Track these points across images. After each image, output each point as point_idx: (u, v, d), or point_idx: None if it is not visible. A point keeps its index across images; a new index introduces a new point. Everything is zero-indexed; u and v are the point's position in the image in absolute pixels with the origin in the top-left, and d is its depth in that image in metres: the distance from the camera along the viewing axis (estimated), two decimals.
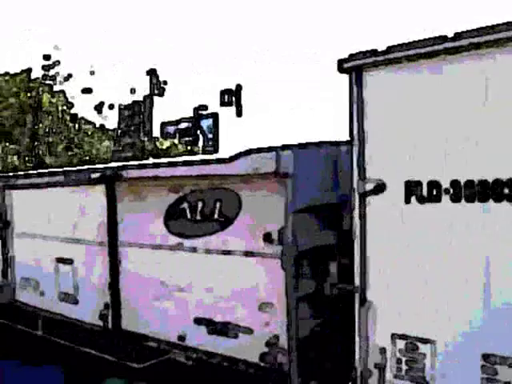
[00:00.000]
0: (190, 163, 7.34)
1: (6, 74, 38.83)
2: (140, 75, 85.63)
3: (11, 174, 11.90)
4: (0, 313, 11.32)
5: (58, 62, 52.62)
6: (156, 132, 74.02)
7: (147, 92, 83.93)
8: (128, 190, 8.32)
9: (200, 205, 7.30)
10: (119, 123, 62.60)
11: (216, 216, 7.11)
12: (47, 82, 47.67)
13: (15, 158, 34.77)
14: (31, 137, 35.74)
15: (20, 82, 38.65)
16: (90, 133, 40.05)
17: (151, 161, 10.30)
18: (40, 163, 33.40)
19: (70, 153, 37.04)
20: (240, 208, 6.87)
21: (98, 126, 43.51)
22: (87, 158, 36.49)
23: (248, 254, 6.82)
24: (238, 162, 6.64)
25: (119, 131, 53.03)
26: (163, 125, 78.21)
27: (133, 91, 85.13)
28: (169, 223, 7.73)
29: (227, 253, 7.02)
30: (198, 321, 7.38)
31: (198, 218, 7.33)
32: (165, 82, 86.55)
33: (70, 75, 50.00)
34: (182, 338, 7.56)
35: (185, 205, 7.48)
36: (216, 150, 67.38)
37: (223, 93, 79.76)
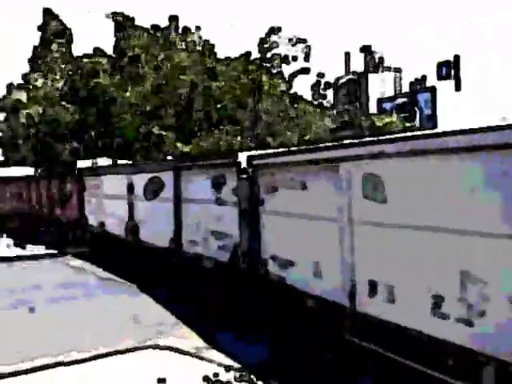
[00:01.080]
0: None
1: (227, 58, 40.15)
2: (354, 52, 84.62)
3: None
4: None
5: (275, 44, 53.54)
6: (372, 109, 72.89)
7: (362, 69, 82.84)
8: None
9: None
10: (335, 101, 62.44)
11: None
12: (265, 64, 48.70)
13: (238, 138, 35.87)
14: (252, 118, 36.59)
15: (240, 65, 39.77)
16: (308, 112, 40.14)
17: None
18: (262, 143, 34.08)
19: (289, 133, 37.40)
20: None
21: (315, 104, 43.50)
22: (307, 137, 36.62)
23: None
24: None
25: (335, 110, 52.71)
26: (380, 101, 76.84)
27: (347, 69, 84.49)
28: None
29: None
30: None
31: None
32: (381, 59, 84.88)
33: (286, 56, 50.58)
34: None
35: None
36: (435, 126, 64.61)
37: (440, 65, 76.34)
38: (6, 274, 21.33)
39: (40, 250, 25.94)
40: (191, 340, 11.66)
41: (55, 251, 24.85)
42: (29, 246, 26.98)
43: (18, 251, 26.16)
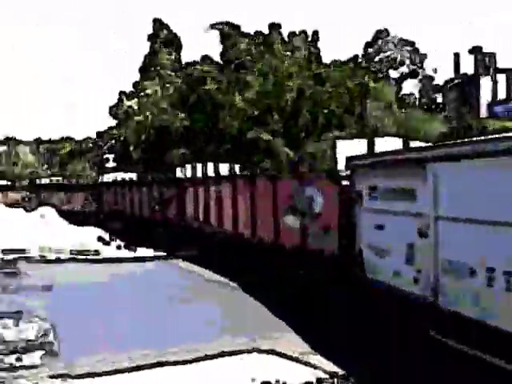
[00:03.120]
0: None
1: (334, 62, 39.81)
2: (463, 54, 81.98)
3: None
4: None
5: (380, 49, 52.64)
6: (483, 112, 70.19)
7: (472, 71, 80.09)
8: None
9: None
10: (445, 105, 60.70)
11: None
12: (372, 68, 47.97)
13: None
14: (360, 123, 36.04)
15: (348, 70, 39.32)
16: (417, 116, 39.14)
17: None
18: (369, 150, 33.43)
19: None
20: None
21: (424, 108, 42.36)
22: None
23: None
24: None
25: (444, 113, 51.19)
26: (490, 105, 73.91)
27: (457, 71, 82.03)
28: None
29: None
30: None
31: None
32: (492, 60, 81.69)
33: (394, 59, 49.66)
34: None
35: None
36: None
37: None
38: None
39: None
40: None
41: None
42: None
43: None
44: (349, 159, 12.69)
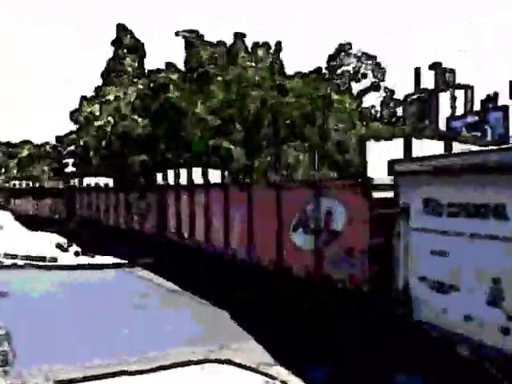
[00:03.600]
0: None
1: (298, 73, 40.11)
2: (424, 68, 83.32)
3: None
4: None
5: (342, 62, 53.23)
6: (442, 127, 71.38)
7: (431, 86, 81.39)
8: None
9: None
10: (405, 119, 61.59)
11: None
12: (334, 81, 48.45)
13: (305, 155, 35.65)
14: (321, 135, 36.34)
15: (310, 82, 39.64)
16: (377, 129, 39.60)
17: None
18: (331, 161, 33.82)
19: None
20: None
21: (385, 122, 42.90)
22: None
23: None
24: None
25: (404, 127, 51.89)
26: (449, 119, 75.22)
27: (417, 86, 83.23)
28: None
29: None
30: None
31: None
32: (450, 76, 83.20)
33: (356, 72, 50.26)
34: None
35: None
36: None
37: None
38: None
39: None
40: None
41: None
42: None
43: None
44: (393, 163, 10.00)
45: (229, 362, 11.06)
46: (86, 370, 10.39)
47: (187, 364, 11.12)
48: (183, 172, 25.35)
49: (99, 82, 57.04)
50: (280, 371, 10.71)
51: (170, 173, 26.77)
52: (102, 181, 36.23)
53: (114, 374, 10.19)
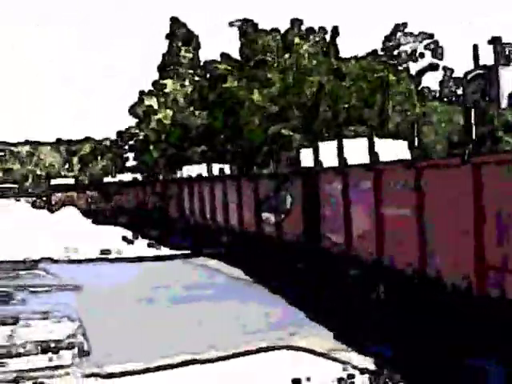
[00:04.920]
0: None
1: (354, 57, 39.67)
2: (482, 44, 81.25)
3: None
4: None
5: (399, 42, 52.40)
6: (504, 104, 69.52)
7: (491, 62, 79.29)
8: None
9: None
10: (464, 97, 60.21)
11: None
12: (391, 61, 47.70)
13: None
14: (380, 117, 35.89)
15: (367, 64, 39.15)
16: (436, 109, 38.89)
17: None
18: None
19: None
20: None
21: (445, 101, 42.06)
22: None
23: None
24: None
25: (467, 105, 50.75)
26: (511, 95, 73.21)
27: (476, 63, 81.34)
28: None
29: None
30: None
31: None
32: (510, 51, 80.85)
33: (413, 52, 49.35)
34: None
35: None
36: None
37: None
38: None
39: None
40: None
41: None
42: None
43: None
44: None
45: (301, 348, 11.07)
46: (160, 360, 10.56)
47: (258, 352, 11.16)
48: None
49: (156, 75, 57.77)
50: (353, 357, 10.64)
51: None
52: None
53: (188, 362, 10.34)
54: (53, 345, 12.20)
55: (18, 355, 11.70)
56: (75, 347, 12.03)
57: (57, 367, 10.83)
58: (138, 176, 52.37)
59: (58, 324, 13.99)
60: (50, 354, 11.62)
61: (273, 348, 11.17)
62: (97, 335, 12.70)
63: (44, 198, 65.64)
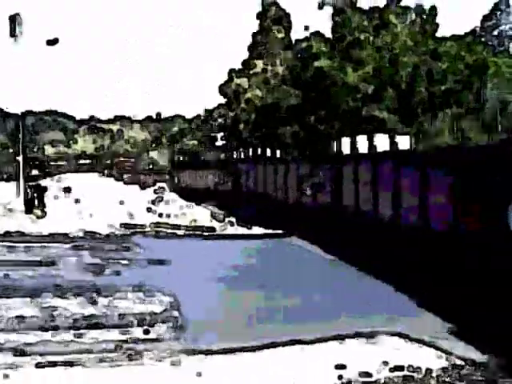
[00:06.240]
0: None
1: (452, 36, 38.24)
2: None
3: None
4: None
5: (499, 21, 50.22)
6: None
7: None
8: None
9: None
10: None
11: None
12: (490, 42, 45.79)
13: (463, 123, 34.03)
14: (478, 100, 34.48)
15: (464, 45, 37.65)
16: None
17: None
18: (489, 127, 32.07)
19: None
20: None
21: None
22: None
23: None
24: None
25: None
26: None
27: None
28: None
29: None
30: None
31: None
32: None
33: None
34: None
35: None
36: None
37: None
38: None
39: None
40: None
41: None
42: None
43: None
44: None
45: (399, 334, 10.69)
46: (258, 340, 10.43)
47: (354, 336, 10.86)
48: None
49: (246, 55, 57.69)
50: (454, 345, 10.19)
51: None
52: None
53: (292, 342, 10.17)
54: (148, 318, 12.32)
55: (116, 326, 11.87)
56: (171, 321, 12.10)
57: (154, 340, 10.88)
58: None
59: (152, 297, 14.13)
60: (145, 327, 11.72)
61: (374, 333, 10.82)
62: (191, 311, 12.71)
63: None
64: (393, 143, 19.17)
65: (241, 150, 41.11)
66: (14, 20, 30.71)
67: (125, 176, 69.81)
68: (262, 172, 33.10)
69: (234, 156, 46.44)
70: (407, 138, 20.73)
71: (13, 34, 30.78)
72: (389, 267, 15.94)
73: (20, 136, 35.03)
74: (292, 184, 28.27)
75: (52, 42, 33.06)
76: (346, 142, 22.61)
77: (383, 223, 18.80)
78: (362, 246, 18.59)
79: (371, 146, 20.35)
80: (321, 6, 38.02)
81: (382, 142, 19.81)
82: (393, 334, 10.78)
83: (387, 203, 18.41)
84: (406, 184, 17.15)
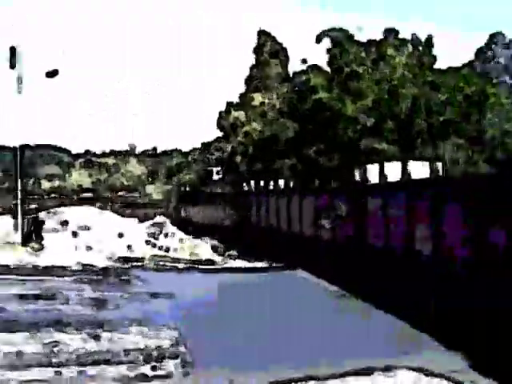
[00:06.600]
0: None
1: (450, 68, 38.48)
2: None
3: None
4: None
5: (495, 53, 50.64)
6: None
7: None
8: None
9: None
10: None
11: None
12: (487, 74, 46.08)
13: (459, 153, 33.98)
14: (477, 131, 34.51)
15: (462, 76, 37.84)
16: None
17: None
18: (490, 157, 32.03)
19: None
20: None
21: None
22: None
23: None
24: None
25: None
26: None
27: None
28: None
29: None
30: None
31: None
32: None
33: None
34: None
35: None
36: None
37: None
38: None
39: None
40: None
41: None
42: None
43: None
44: None
45: (420, 369, 10.35)
46: (272, 373, 10.09)
47: (372, 372, 10.50)
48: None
49: (243, 88, 57.76)
50: (476, 379, 9.88)
51: None
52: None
53: (302, 379, 9.82)
54: (155, 353, 11.93)
55: (121, 362, 11.48)
56: (178, 357, 11.71)
57: (163, 377, 10.50)
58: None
59: (158, 332, 13.75)
60: (152, 363, 11.33)
61: (393, 367, 10.46)
62: (197, 346, 12.36)
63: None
64: (404, 172, 17.76)
65: (243, 184, 40.39)
66: (14, 52, 30.55)
67: (123, 209, 69.62)
68: (274, 204, 30.51)
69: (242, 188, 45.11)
70: (425, 164, 18.04)
71: (12, 65, 30.56)
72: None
73: (18, 170, 34.65)
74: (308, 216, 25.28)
75: (51, 74, 32.89)
76: (372, 169, 19.85)
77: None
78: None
79: (382, 175, 18.83)
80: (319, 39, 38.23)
81: (392, 171, 18.32)
82: (413, 369, 10.43)
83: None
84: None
